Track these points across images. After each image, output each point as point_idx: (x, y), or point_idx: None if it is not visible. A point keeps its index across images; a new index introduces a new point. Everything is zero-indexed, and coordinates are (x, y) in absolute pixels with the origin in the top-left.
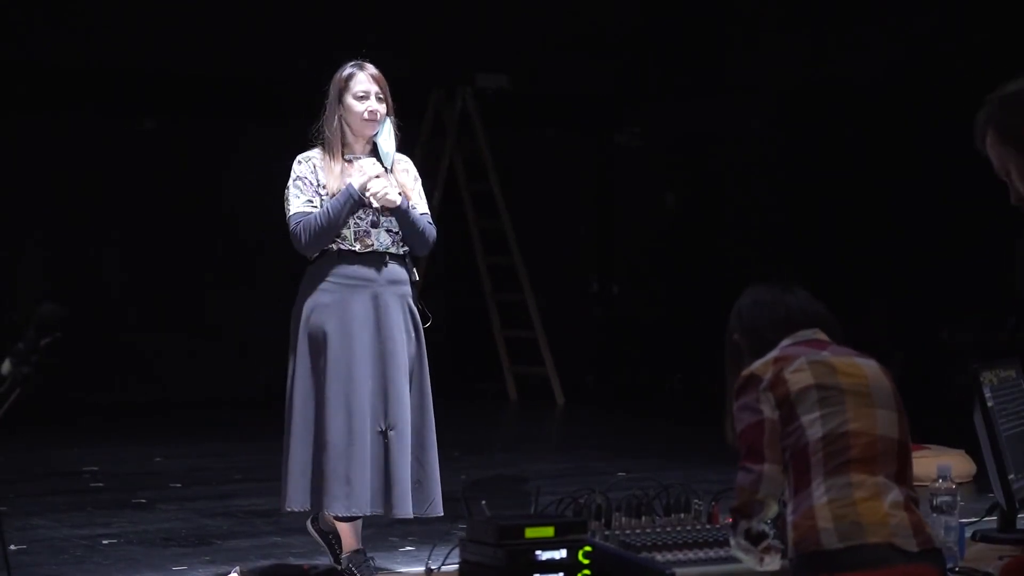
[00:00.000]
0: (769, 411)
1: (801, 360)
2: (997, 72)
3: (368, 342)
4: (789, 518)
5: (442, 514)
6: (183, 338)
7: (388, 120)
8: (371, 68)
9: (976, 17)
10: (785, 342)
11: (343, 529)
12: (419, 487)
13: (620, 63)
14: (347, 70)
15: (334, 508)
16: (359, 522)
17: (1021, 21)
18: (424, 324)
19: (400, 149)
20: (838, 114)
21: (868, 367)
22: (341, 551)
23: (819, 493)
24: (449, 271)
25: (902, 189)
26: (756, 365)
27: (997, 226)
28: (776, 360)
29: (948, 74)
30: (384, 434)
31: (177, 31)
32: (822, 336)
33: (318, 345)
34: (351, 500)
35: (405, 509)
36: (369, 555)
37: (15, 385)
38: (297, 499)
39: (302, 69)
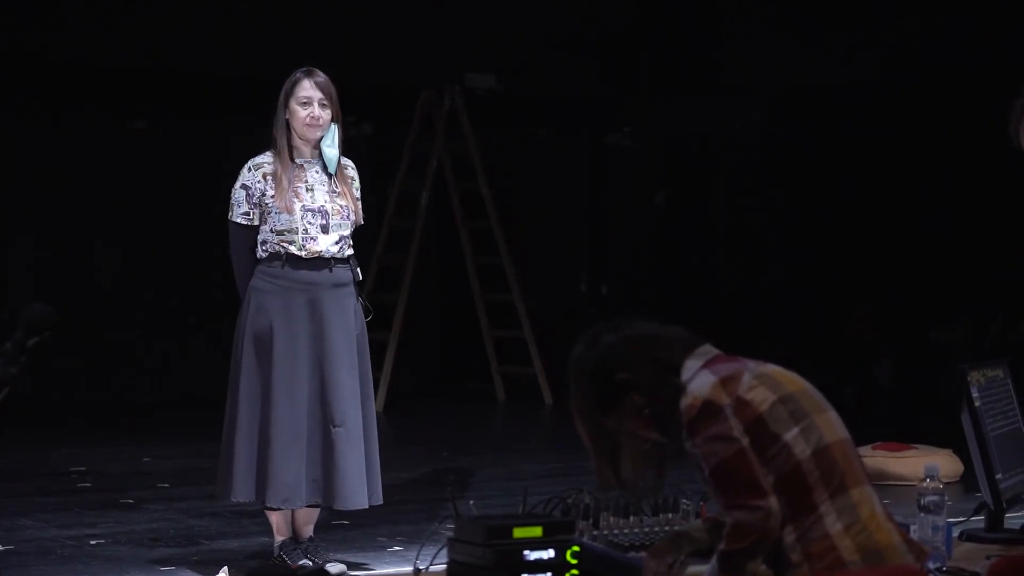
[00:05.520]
0: (741, 437)
1: (747, 377)
2: (989, 75)
3: (310, 342)
4: (794, 544)
5: (382, 502)
6: (174, 338)
7: (334, 126)
8: (318, 75)
9: (968, 20)
10: (692, 363)
11: (274, 518)
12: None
13: (610, 63)
14: (295, 76)
15: (268, 499)
16: (289, 512)
17: (1011, 24)
18: (366, 318)
19: (382, 150)
20: (828, 115)
21: (792, 372)
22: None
23: (831, 519)
24: (438, 271)
25: (892, 190)
26: (703, 390)
27: (986, 226)
28: (724, 382)
29: (939, 77)
30: (330, 430)
31: (169, 30)
32: (718, 351)
33: (263, 343)
34: (283, 492)
35: (356, 501)
36: (307, 543)
37: (2, 385)
38: (242, 491)
39: (294, 69)
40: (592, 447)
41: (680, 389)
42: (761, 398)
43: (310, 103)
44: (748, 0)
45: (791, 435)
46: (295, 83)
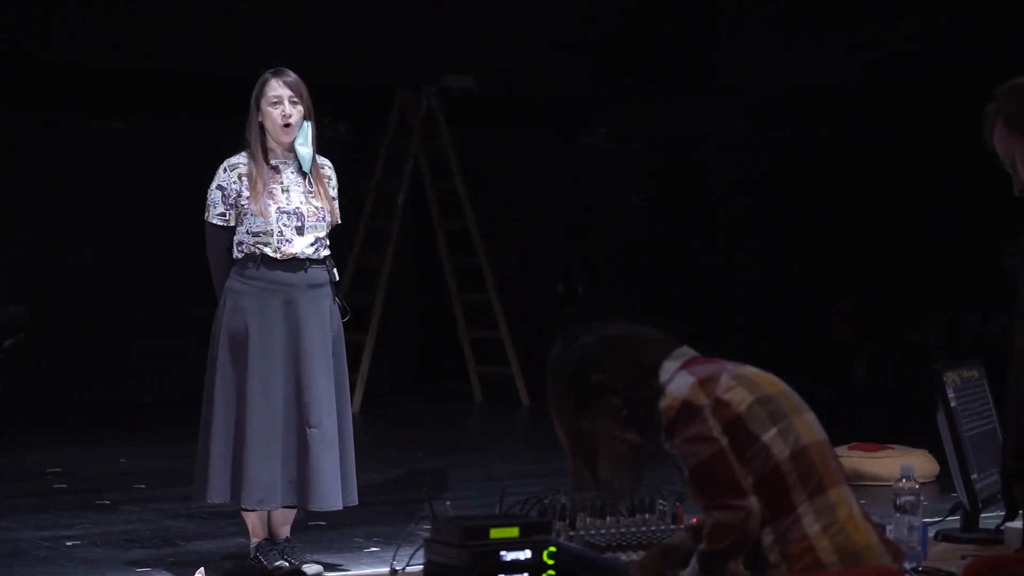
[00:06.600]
0: (720, 438)
1: (725, 377)
2: (972, 78)
3: (286, 343)
4: (772, 545)
5: (357, 503)
6: (153, 339)
7: (307, 124)
8: (287, 75)
9: (952, 23)
10: (669, 364)
11: (250, 519)
12: (340, 479)
13: (587, 64)
14: (263, 77)
15: (244, 500)
16: (266, 513)
17: (996, 27)
18: (343, 319)
19: (358, 150)
20: (808, 117)
21: (770, 374)
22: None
23: (809, 520)
24: (415, 272)
25: (868, 191)
26: (681, 391)
27: (963, 227)
28: (702, 382)
29: (921, 79)
30: (305, 431)
31: (152, 30)
32: (695, 352)
33: (238, 344)
34: (259, 493)
35: (331, 503)
36: (284, 544)
37: None
38: (218, 492)
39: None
40: (569, 448)
41: (658, 390)
42: (739, 399)
43: (280, 102)
44: (728, 2)
45: (769, 436)
46: (264, 83)
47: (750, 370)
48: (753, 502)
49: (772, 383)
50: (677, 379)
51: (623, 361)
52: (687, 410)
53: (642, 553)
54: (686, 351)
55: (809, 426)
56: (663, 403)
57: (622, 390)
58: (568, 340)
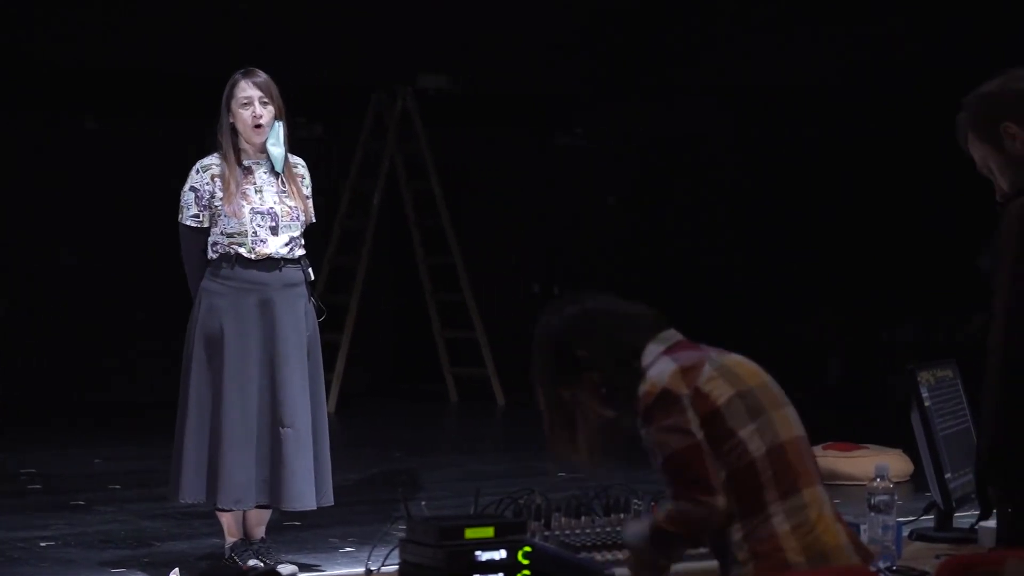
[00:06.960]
0: (696, 431)
1: (708, 368)
2: (954, 78)
3: (261, 343)
4: (741, 543)
5: (333, 503)
6: (131, 341)
7: (278, 124)
8: (257, 75)
9: (934, 23)
10: (653, 347)
11: (225, 519)
12: (315, 479)
13: (564, 64)
14: (233, 78)
15: (220, 501)
16: (241, 513)
17: (979, 27)
18: (319, 318)
19: (334, 150)
20: (784, 117)
21: (754, 364)
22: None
23: (779, 519)
24: (391, 271)
25: (844, 191)
26: (662, 378)
27: (938, 229)
28: (683, 371)
29: (901, 79)
30: (278, 431)
31: (130, 29)
32: (681, 336)
33: (213, 345)
34: (235, 493)
35: (305, 503)
36: (259, 545)
37: None
38: (192, 492)
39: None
40: (547, 415)
41: (639, 373)
42: (719, 392)
43: (251, 103)
44: (705, 2)
45: (746, 432)
46: (234, 85)
47: (734, 360)
48: (720, 500)
49: (754, 374)
50: (659, 364)
51: (606, 339)
52: (666, 399)
53: (617, 553)
54: (672, 334)
55: (788, 421)
56: (642, 388)
57: (603, 368)
58: (555, 310)
